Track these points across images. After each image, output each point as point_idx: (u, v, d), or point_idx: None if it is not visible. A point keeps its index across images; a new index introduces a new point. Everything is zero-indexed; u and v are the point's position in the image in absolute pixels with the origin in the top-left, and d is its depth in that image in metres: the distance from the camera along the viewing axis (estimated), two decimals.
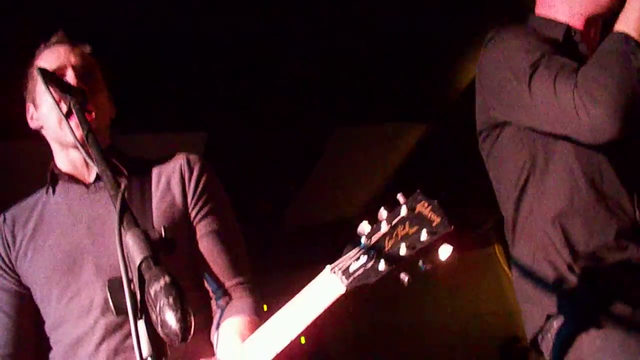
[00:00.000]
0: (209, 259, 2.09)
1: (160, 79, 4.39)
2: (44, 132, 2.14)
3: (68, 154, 2.11)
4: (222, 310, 2.05)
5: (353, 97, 5.07)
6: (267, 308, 1.87)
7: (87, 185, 2.11)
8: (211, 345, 2.02)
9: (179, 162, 2.17)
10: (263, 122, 5.13)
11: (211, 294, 2.12)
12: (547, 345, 2.27)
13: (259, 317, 2.01)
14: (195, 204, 2.11)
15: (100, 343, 1.96)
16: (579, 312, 2.18)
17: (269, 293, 2.26)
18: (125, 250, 1.31)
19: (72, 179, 2.12)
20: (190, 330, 1.20)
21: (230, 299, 2.08)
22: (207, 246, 2.10)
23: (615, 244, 2.18)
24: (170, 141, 4.83)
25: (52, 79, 1.80)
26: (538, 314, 2.27)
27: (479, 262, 8.79)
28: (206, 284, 2.12)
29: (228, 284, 2.09)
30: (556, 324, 2.23)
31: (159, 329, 1.22)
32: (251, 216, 4.36)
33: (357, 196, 6.28)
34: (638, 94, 2.00)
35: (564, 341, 2.19)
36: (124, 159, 2.14)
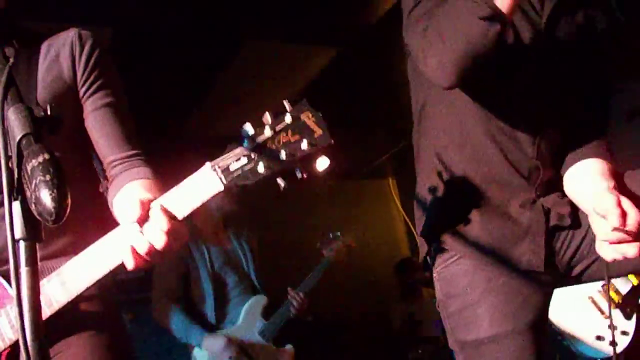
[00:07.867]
0: (102, 131, 2.03)
1: None
2: None
3: None
4: (120, 175, 1.98)
5: (265, 11, 4.97)
6: None
7: None
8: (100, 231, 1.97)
9: (69, 35, 2.08)
10: (172, 25, 4.98)
11: (105, 166, 2.05)
12: (432, 273, 2.32)
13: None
14: (86, 80, 2.04)
15: None
16: (445, 242, 2.21)
17: None
18: (6, 126, 1.27)
19: None
20: (65, 211, 1.18)
21: (127, 168, 2.01)
22: (99, 119, 2.03)
23: (496, 177, 2.16)
24: None
25: None
26: (422, 240, 2.32)
27: (373, 192, 8.95)
28: (95, 165, 2.07)
29: (124, 155, 2.02)
30: (433, 253, 2.28)
31: (33, 207, 1.20)
32: (150, 120, 4.27)
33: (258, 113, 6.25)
34: (482, 43, 1.84)
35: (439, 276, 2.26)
36: (13, 29, 2.03)
